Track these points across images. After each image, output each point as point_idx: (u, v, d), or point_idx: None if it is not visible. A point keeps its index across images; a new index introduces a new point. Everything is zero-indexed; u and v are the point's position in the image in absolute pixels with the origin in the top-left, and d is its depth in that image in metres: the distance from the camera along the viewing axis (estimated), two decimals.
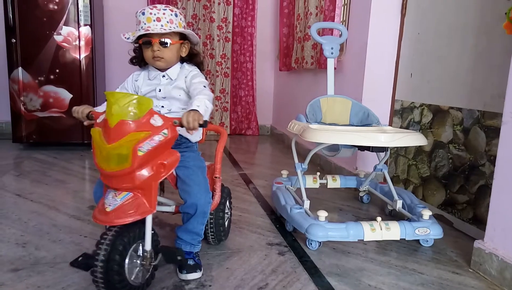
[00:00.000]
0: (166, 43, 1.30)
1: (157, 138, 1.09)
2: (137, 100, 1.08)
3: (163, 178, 1.15)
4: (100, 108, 1.27)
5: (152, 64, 1.35)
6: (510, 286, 1.28)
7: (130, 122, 1.07)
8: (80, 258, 1.11)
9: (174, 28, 1.29)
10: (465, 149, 1.79)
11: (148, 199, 1.12)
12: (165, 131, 1.11)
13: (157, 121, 1.11)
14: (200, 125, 1.11)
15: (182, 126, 1.13)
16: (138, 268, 1.15)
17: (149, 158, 1.10)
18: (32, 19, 2.98)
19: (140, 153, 1.06)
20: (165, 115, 1.20)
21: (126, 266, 1.10)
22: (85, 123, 1.26)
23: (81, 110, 1.24)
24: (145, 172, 1.10)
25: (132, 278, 1.12)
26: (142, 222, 1.15)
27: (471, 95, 1.76)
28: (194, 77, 1.33)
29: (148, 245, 1.15)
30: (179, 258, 1.19)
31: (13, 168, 2.63)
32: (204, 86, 1.28)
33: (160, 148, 1.11)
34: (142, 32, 1.27)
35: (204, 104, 1.18)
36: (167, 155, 1.14)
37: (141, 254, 1.15)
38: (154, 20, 1.26)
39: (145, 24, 1.27)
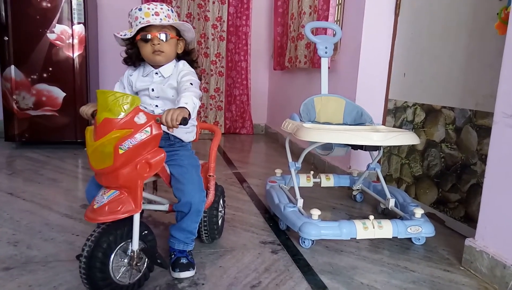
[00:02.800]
0: (166, 36, 1.29)
1: (139, 136, 1.08)
2: (123, 98, 1.07)
3: (149, 177, 1.15)
4: None
5: (152, 60, 1.33)
6: (500, 284, 1.29)
7: (114, 119, 1.06)
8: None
9: (173, 22, 1.30)
10: (457, 148, 1.80)
11: (134, 198, 1.12)
12: (147, 129, 1.09)
13: (140, 119, 1.09)
14: (179, 124, 1.09)
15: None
16: (125, 267, 1.15)
17: (132, 156, 1.09)
18: (25, 17, 2.96)
19: (121, 151, 1.06)
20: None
21: (110, 264, 1.10)
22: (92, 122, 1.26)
23: (86, 110, 1.24)
24: (128, 171, 1.09)
25: (118, 277, 1.13)
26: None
27: (463, 95, 1.77)
28: (184, 75, 1.31)
29: (135, 245, 1.15)
30: (158, 261, 1.18)
31: (5, 167, 2.61)
32: (191, 84, 1.26)
33: (142, 146, 1.10)
34: (142, 25, 1.26)
35: (191, 101, 1.16)
36: (153, 154, 1.13)
37: (128, 254, 1.15)
38: (152, 15, 1.27)
39: (143, 18, 1.27)
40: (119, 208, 1.10)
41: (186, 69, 1.36)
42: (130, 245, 1.15)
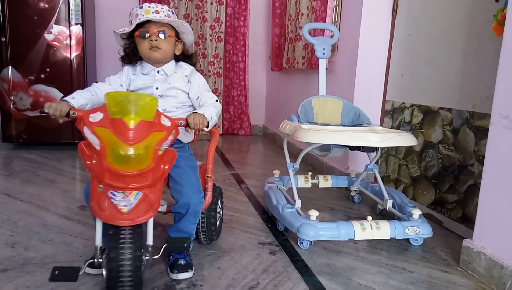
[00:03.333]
0: (164, 34, 1.31)
1: (170, 138, 1.16)
2: (153, 101, 1.12)
3: (166, 175, 1.20)
4: (78, 101, 1.24)
5: (149, 56, 1.34)
6: (498, 284, 1.30)
7: (150, 122, 1.11)
8: (56, 272, 1.09)
9: (172, 20, 1.32)
10: (454, 149, 1.81)
11: (156, 196, 1.15)
12: (174, 131, 1.17)
13: (166, 121, 1.16)
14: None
15: (186, 126, 1.19)
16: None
17: (164, 157, 1.16)
18: (23, 17, 2.95)
19: (160, 152, 1.12)
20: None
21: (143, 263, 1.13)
22: (60, 120, 1.22)
23: (59, 108, 1.16)
24: (157, 170, 1.14)
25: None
26: None
27: (460, 96, 1.78)
28: (198, 80, 1.38)
29: (150, 240, 1.16)
30: (185, 245, 1.22)
31: (2, 168, 2.60)
32: (216, 100, 1.34)
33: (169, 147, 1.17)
34: (141, 20, 1.28)
35: (210, 115, 1.25)
36: (169, 154, 1.18)
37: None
38: (152, 12, 1.30)
39: (143, 15, 1.29)
40: (150, 207, 1.13)
41: (200, 77, 1.41)
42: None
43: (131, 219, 1.09)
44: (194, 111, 1.28)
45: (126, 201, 1.10)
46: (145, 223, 1.15)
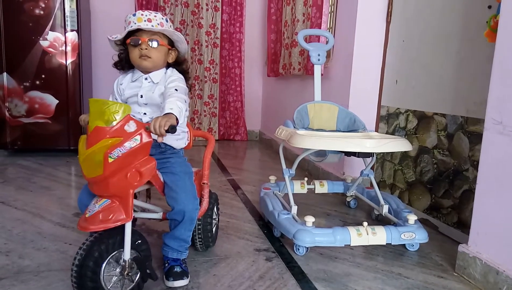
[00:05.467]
0: (155, 43, 1.30)
1: (128, 145, 1.08)
2: (115, 106, 1.08)
3: (140, 186, 1.15)
4: None
5: (138, 64, 1.33)
6: None
7: (105, 128, 1.07)
8: None
9: (163, 28, 1.30)
10: (449, 154, 1.82)
11: (125, 207, 1.11)
12: (137, 137, 1.09)
13: (131, 127, 1.09)
14: (167, 131, 1.08)
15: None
16: (116, 277, 1.14)
17: (122, 165, 1.08)
18: (18, 24, 2.95)
19: (110, 160, 1.06)
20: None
21: (102, 273, 1.10)
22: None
23: (83, 118, 1.24)
24: (119, 180, 1.09)
25: (109, 287, 1.12)
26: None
27: (454, 102, 1.79)
28: (171, 82, 1.31)
29: (126, 255, 1.14)
30: (148, 272, 1.17)
31: None
32: (176, 89, 1.25)
33: (132, 154, 1.09)
34: (132, 29, 1.27)
35: (176, 105, 1.16)
36: (143, 163, 1.13)
37: (121, 263, 1.15)
38: (145, 21, 1.28)
39: (135, 23, 1.28)
40: (110, 217, 1.09)
41: (174, 75, 1.35)
42: (122, 255, 1.15)
43: (84, 226, 1.10)
44: (164, 113, 1.15)
45: (92, 207, 1.11)
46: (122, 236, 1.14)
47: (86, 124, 1.21)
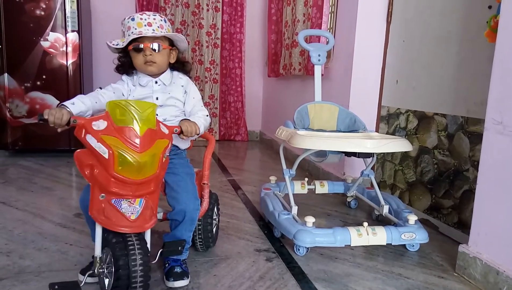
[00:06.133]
0: (158, 47, 1.30)
1: (170, 145, 1.20)
2: (151, 108, 1.13)
3: (162, 181, 1.24)
4: (78, 107, 1.19)
5: (144, 70, 1.34)
6: None
7: (155, 130, 1.14)
8: (56, 287, 1.08)
9: (165, 32, 1.30)
10: (449, 154, 1.82)
11: (155, 203, 1.19)
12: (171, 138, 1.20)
13: (164, 129, 1.19)
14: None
15: (180, 133, 1.23)
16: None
17: (166, 163, 1.19)
18: (19, 25, 2.96)
19: (164, 159, 1.15)
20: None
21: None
22: (59, 130, 1.14)
23: (60, 117, 1.10)
24: (160, 177, 1.19)
25: None
26: None
27: (455, 102, 1.79)
28: (194, 93, 1.41)
29: (149, 246, 1.17)
30: (180, 248, 1.24)
31: None
32: (207, 115, 1.39)
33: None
34: (134, 36, 1.26)
35: (203, 127, 1.32)
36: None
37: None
38: (145, 25, 1.27)
39: (135, 29, 1.27)
40: (153, 214, 1.16)
41: (189, 82, 1.43)
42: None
43: (140, 226, 1.11)
44: (185, 118, 1.33)
45: (132, 209, 1.11)
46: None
47: (63, 123, 1.11)
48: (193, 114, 1.36)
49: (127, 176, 1.08)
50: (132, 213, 1.11)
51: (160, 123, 1.19)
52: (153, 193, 1.17)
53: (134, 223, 1.10)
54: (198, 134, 1.28)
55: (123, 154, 1.06)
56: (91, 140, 1.08)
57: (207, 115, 1.39)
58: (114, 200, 1.11)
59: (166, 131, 1.19)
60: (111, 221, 1.09)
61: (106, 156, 1.06)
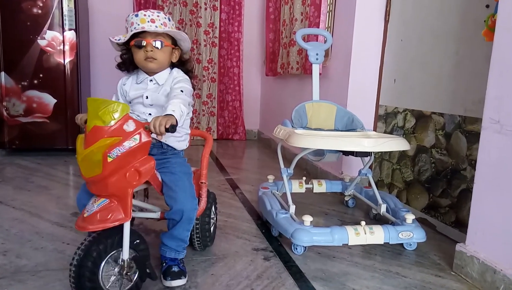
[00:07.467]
0: (160, 44, 1.29)
1: (127, 144, 1.07)
2: (113, 106, 1.07)
3: (138, 185, 1.14)
4: None
5: (144, 66, 1.33)
6: (491, 289, 1.30)
7: (103, 127, 1.06)
8: None
9: (168, 29, 1.30)
10: (447, 153, 1.82)
11: (124, 207, 1.11)
12: (136, 136, 1.09)
13: (130, 126, 1.09)
14: (167, 130, 1.09)
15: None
16: (115, 276, 1.14)
17: (121, 164, 1.08)
18: (16, 23, 2.94)
19: (109, 159, 1.05)
20: None
21: (100, 273, 1.09)
22: None
23: (80, 117, 1.23)
24: (118, 179, 1.09)
25: (108, 286, 1.12)
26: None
27: (452, 101, 1.79)
28: (177, 82, 1.31)
29: (125, 254, 1.14)
30: (148, 271, 1.18)
31: None
32: (181, 91, 1.26)
33: (131, 154, 1.09)
34: (136, 31, 1.26)
35: (179, 108, 1.16)
36: (142, 162, 1.12)
37: (119, 263, 1.14)
38: (148, 21, 1.27)
39: (138, 24, 1.27)
40: (109, 217, 1.09)
41: (180, 76, 1.35)
42: (121, 254, 1.14)
43: (82, 226, 1.09)
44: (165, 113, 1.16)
45: (91, 207, 1.11)
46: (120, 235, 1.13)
47: (83, 123, 1.20)
48: (168, 101, 1.21)
49: (81, 172, 1.11)
50: (87, 211, 1.10)
51: (131, 120, 1.09)
52: (120, 196, 1.10)
53: (82, 220, 1.10)
54: (174, 125, 1.11)
55: (78, 151, 1.11)
56: (78, 138, 1.15)
57: (182, 91, 1.26)
58: (93, 196, 1.15)
59: (131, 128, 1.08)
60: (80, 215, 1.14)
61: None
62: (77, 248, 1.08)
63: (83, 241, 1.10)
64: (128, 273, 1.15)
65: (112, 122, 1.07)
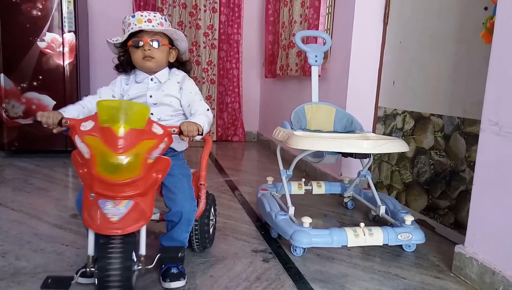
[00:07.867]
0: (157, 43, 1.31)
1: (162, 146, 1.13)
2: (143, 109, 1.11)
3: (159, 183, 1.18)
4: (69, 113, 1.24)
5: (142, 66, 1.34)
6: None
7: (140, 130, 1.09)
8: (49, 280, 1.07)
9: (165, 28, 1.31)
10: (446, 155, 1.82)
11: (148, 205, 1.14)
12: (166, 139, 1.15)
13: (157, 129, 1.14)
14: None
15: (179, 133, 1.17)
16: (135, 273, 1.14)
17: (155, 165, 1.13)
18: (15, 25, 2.94)
19: (150, 161, 1.10)
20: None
21: (134, 273, 1.11)
22: (55, 130, 1.19)
23: (52, 116, 1.17)
24: (147, 179, 1.12)
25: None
26: None
27: (451, 102, 1.80)
28: (190, 88, 1.37)
29: (143, 250, 1.15)
30: (180, 254, 1.21)
31: None
32: (208, 109, 1.34)
33: (161, 155, 1.15)
34: (133, 30, 1.28)
35: (206, 124, 1.26)
36: (162, 162, 1.17)
37: (135, 259, 1.13)
38: (145, 21, 1.29)
39: (135, 25, 1.28)
40: (140, 217, 1.10)
41: (186, 78, 1.40)
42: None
43: (120, 228, 1.06)
44: (187, 120, 1.27)
45: (116, 210, 1.08)
46: (138, 232, 1.14)
47: (55, 123, 1.16)
48: (194, 113, 1.32)
49: (106, 176, 1.06)
50: (114, 215, 1.07)
51: (154, 124, 1.15)
52: (143, 196, 1.12)
53: (114, 225, 1.06)
54: (201, 133, 1.20)
55: (102, 154, 1.05)
56: (77, 140, 1.10)
57: (208, 109, 1.33)
58: (100, 200, 1.09)
59: (159, 131, 1.14)
60: (93, 221, 1.07)
61: (88, 156, 1.07)
62: (108, 253, 1.04)
63: (111, 244, 1.06)
64: (146, 268, 1.15)
65: (143, 125, 1.11)
